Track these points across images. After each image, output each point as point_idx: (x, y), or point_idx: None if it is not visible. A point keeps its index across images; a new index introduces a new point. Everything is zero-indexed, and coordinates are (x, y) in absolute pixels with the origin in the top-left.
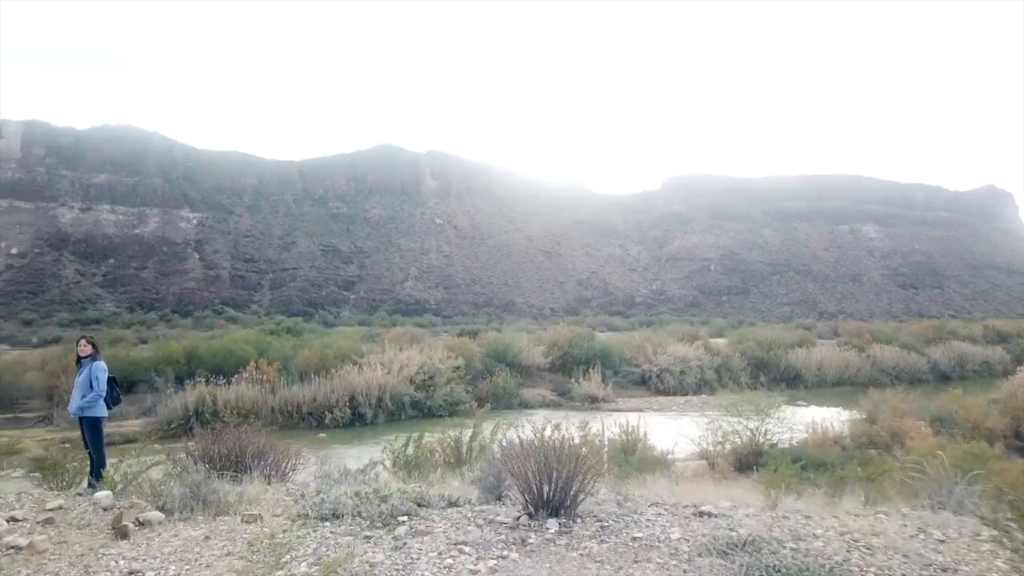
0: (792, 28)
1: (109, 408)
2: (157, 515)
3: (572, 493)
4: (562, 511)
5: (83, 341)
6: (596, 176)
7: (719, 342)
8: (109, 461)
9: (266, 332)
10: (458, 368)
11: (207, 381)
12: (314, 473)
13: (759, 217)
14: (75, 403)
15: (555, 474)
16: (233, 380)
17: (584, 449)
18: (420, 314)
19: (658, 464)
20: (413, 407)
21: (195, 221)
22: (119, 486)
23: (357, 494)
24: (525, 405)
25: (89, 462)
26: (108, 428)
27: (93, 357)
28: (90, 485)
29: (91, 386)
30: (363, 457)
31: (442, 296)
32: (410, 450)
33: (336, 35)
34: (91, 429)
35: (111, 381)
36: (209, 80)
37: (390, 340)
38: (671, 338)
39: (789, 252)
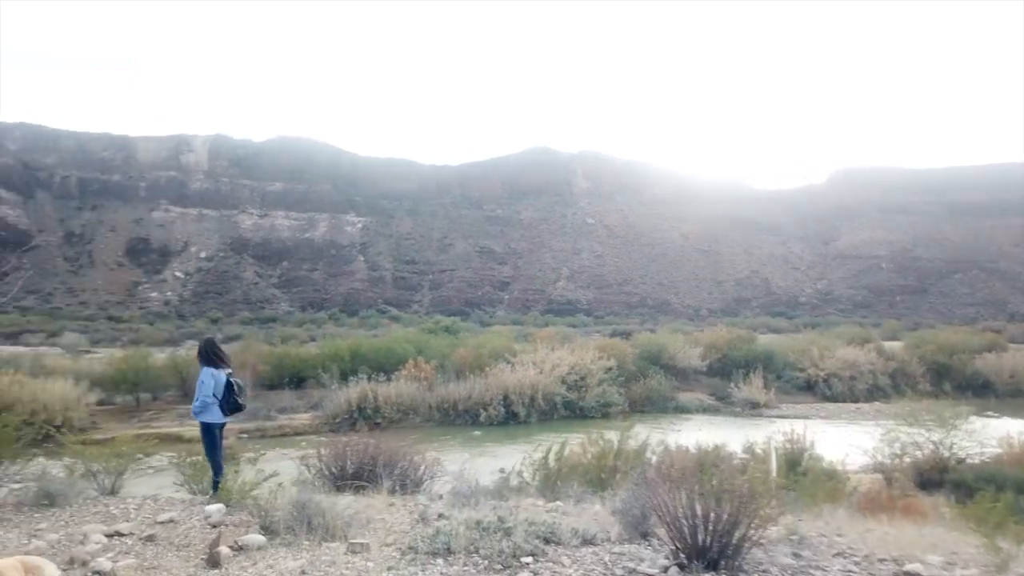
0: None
1: (226, 415)
2: (258, 539)
3: (735, 541)
4: (722, 563)
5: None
6: (754, 171)
7: (893, 345)
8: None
9: (424, 331)
10: (610, 369)
11: (369, 378)
12: (452, 481)
13: (937, 211)
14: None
15: (713, 515)
16: (393, 377)
17: (751, 484)
18: (572, 314)
19: (829, 478)
20: (565, 407)
21: (360, 225)
22: (234, 498)
23: (479, 523)
24: (681, 409)
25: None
26: (280, 421)
27: (205, 362)
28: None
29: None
30: (514, 456)
31: (594, 296)
32: (551, 463)
33: (491, 41)
34: (202, 434)
35: (229, 387)
36: (372, 90)
37: (542, 340)
38: (839, 341)
39: (972, 248)
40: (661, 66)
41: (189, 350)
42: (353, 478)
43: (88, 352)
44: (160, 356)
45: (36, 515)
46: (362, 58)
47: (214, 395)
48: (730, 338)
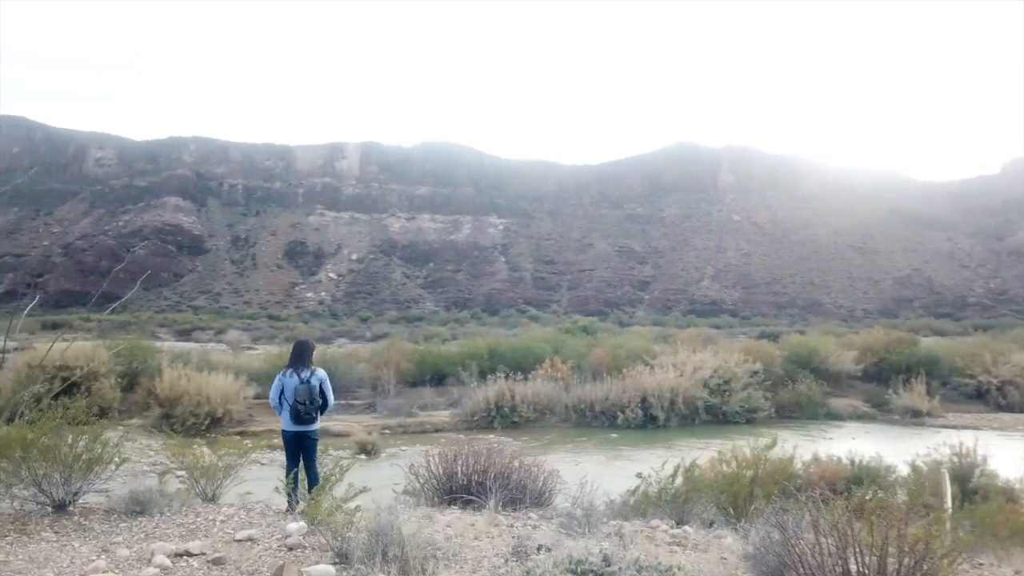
0: None
1: (293, 422)
2: (327, 570)
3: None
4: None
5: None
6: (915, 161)
7: None
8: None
9: (562, 331)
10: (756, 373)
11: (507, 377)
12: (573, 493)
13: None
14: None
15: None
16: (530, 376)
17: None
18: (716, 315)
19: (1008, 499)
20: (707, 411)
21: (501, 227)
22: (320, 517)
23: (578, 565)
24: (832, 416)
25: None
26: (421, 418)
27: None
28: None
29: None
30: (651, 461)
31: (739, 296)
32: (678, 481)
33: (633, 38)
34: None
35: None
36: (514, 92)
37: (683, 341)
38: (1015, 345)
39: None
40: (810, 54)
41: (340, 348)
42: (461, 491)
43: (249, 349)
44: None
45: (122, 524)
46: (505, 61)
47: (281, 401)
48: (888, 341)
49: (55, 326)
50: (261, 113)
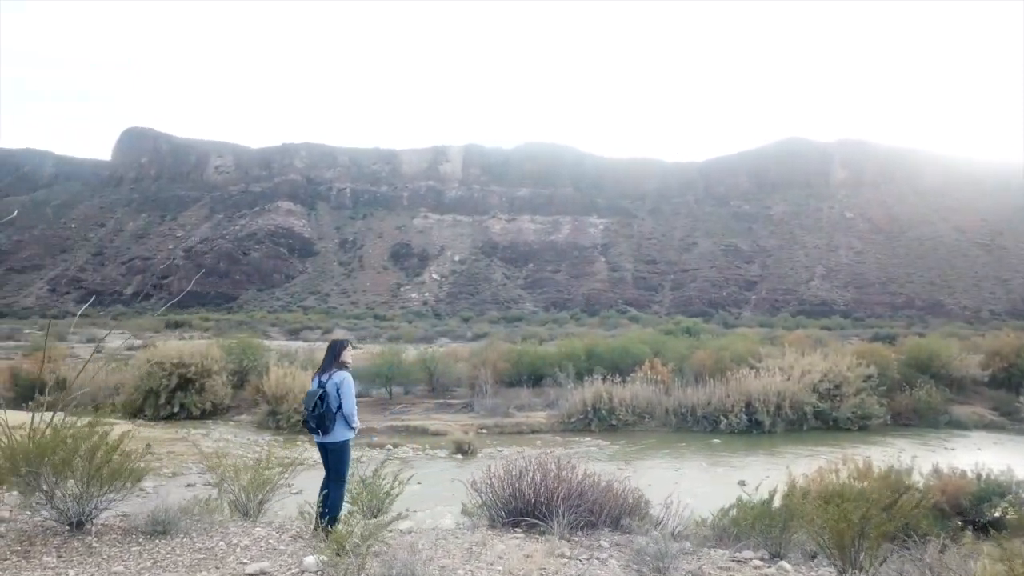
0: None
1: (312, 431)
2: None
3: None
4: None
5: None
6: None
7: None
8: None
9: (662, 332)
10: (870, 377)
11: (604, 378)
12: (657, 515)
13: None
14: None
15: None
16: (629, 378)
17: None
18: (827, 316)
19: None
20: (816, 417)
21: (602, 226)
22: (346, 548)
23: None
24: (955, 425)
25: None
26: (518, 418)
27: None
28: (324, 528)
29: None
30: (754, 467)
31: (852, 297)
32: (774, 507)
33: (737, 32)
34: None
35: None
36: (615, 90)
37: (791, 343)
38: None
39: None
40: (928, 40)
41: (440, 347)
42: (526, 512)
43: (354, 348)
44: (411, 352)
45: (134, 548)
46: (606, 60)
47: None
48: (1019, 344)
49: (177, 325)
50: (368, 119)
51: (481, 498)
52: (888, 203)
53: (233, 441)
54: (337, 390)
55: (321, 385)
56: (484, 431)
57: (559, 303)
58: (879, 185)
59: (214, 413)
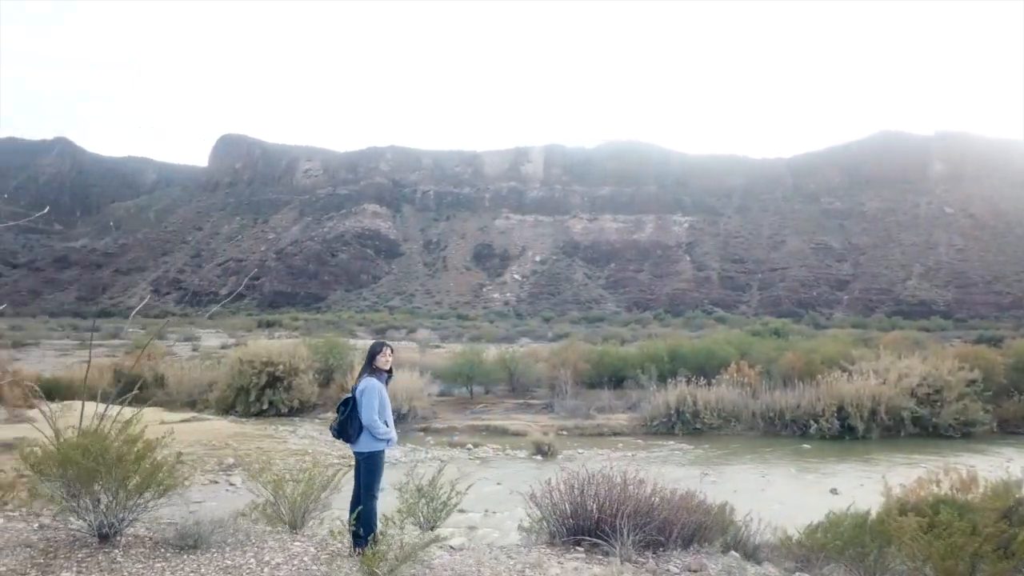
0: None
1: (338, 437)
2: None
3: None
4: None
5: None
6: None
7: None
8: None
9: (749, 333)
10: (974, 382)
11: (688, 380)
12: (734, 535)
13: None
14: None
15: None
16: (714, 381)
17: None
18: (925, 317)
19: None
20: (914, 423)
21: (686, 225)
22: (376, 573)
23: None
24: None
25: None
26: (598, 420)
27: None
28: (356, 543)
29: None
30: (847, 475)
31: (953, 296)
32: (866, 527)
33: (824, 24)
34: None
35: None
36: (700, 86)
37: (887, 346)
38: None
39: None
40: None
41: (521, 347)
42: (589, 530)
43: (436, 347)
44: (492, 352)
45: (158, 564)
46: (690, 55)
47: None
48: None
49: (268, 324)
50: (451, 121)
51: (540, 512)
52: (992, 198)
53: (317, 438)
54: (361, 398)
55: (353, 391)
56: (564, 432)
57: (642, 303)
58: (982, 179)
59: (301, 411)
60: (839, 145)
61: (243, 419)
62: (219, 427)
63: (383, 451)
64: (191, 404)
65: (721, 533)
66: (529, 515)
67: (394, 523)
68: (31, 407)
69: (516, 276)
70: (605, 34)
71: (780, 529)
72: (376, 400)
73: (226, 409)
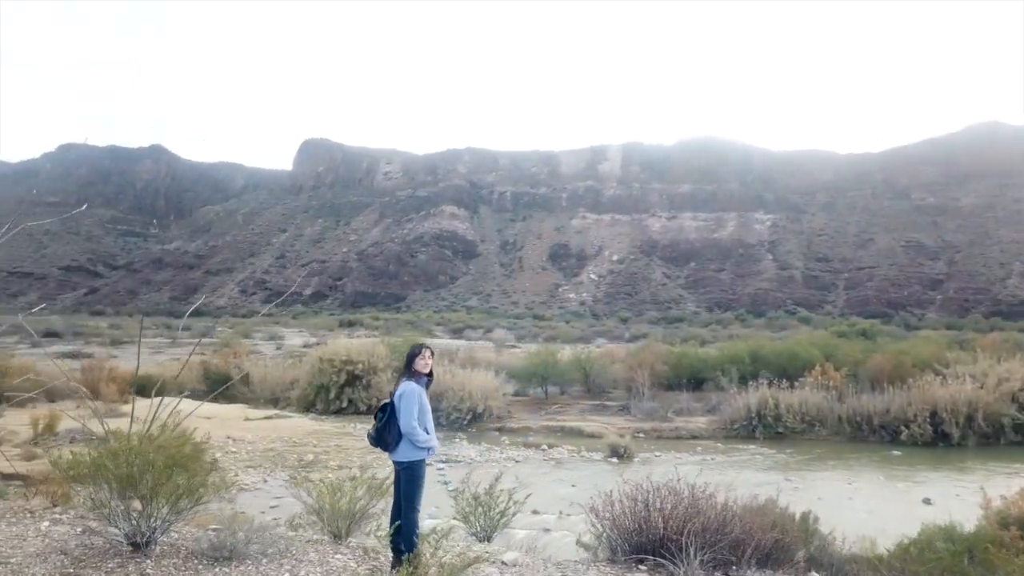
0: None
1: (375, 445)
2: None
3: None
4: None
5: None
6: None
7: None
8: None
9: (835, 334)
10: None
11: (770, 383)
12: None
13: None
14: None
15: None
16: (797, 384)
17: None
18: None
19: None
20: (1015, 431)
21: (769, 223)
22: None
23: None
24: None
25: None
26: (677, 423)
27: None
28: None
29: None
30: (941, 485)
31: None
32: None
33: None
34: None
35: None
36: (783, 81)
37: (985, 348)
38: None
39: None
40: None
41: (597, 347)
42: (653, 548)
43: (512, 347)
44: (567, 352)
45: None
46: (774, 49)
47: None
48: None
49: (350, 324)
50: (528, 121)
51: (601, 527)
52: None
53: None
54: (399, 403)
55: (391, 396)
56: (641, 435)
57: (722, 303)
58: None
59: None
60: (933, 138)
61: (323, 417)
62: (299, 424)
63: (424, 460)
64: (274, 401)
65: (804, 544)
66: (590, 529)
67: (430, 543)
68: (125, 402)
69: (592, 276)
70: (684, 29)
71: (868, 540)
72: (415, 405)
73: (307, 407)
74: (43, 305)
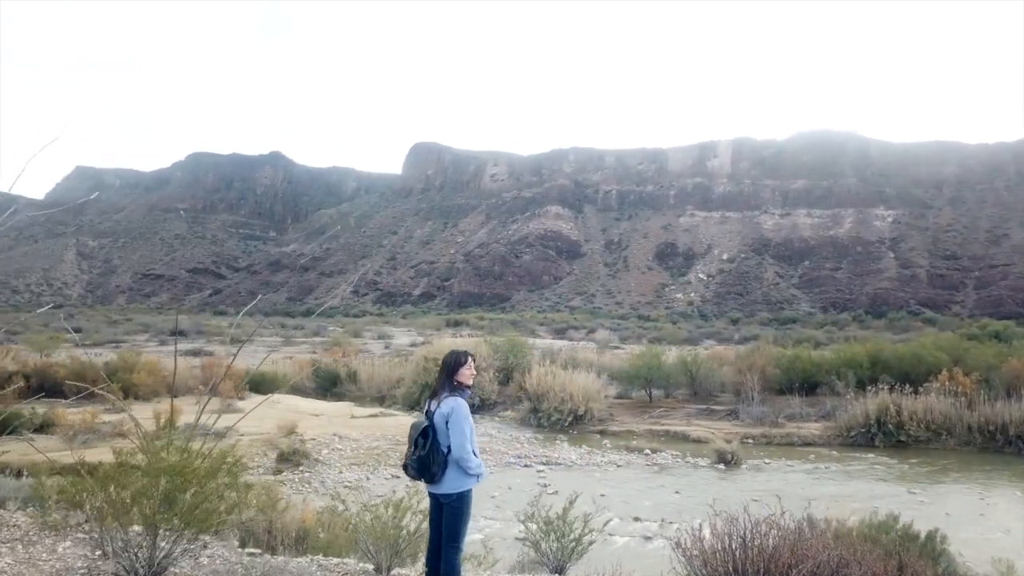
0: None
1: (411, 476)
2: None
3: None
4: None
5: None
6: None
7: None
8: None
9: (964, 337)
10: None
11: (891, 389)
12: None
13: None
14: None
15: None
16: (921, 389)
17: None
18: None
19: None
20: None
21: (890, 219)
22: None
23: None
24: None
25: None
26: (788, 429)
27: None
28: None
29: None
30: None
31: None
32: None
33: None
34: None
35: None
36: (901, 69)
37: None
38: None
39: None
40: None
41: (705, 349)
42: None
43: (616, 348)
44: (673, 354)
45: None
46: (892, 36)
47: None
48: None
49: (456, 323)
50: (635, 118)
51: (689, 567)
52: None
53: (496, 436)
54: (446, 423)
55: (428, 416)
56: (749, 441)
57: (839, 304)
58: None
59: (482, 408)
60: None
61: None
62: (403, 422)
63: (471, 489)
64: (380, 399)
65: (932, 564)
66: (674, 569)
67: None
68: (241, 398)
69: (701, 275)
70: (795, 18)
71: (1004, 563)
72: (468, 426)
73: (412, 405)
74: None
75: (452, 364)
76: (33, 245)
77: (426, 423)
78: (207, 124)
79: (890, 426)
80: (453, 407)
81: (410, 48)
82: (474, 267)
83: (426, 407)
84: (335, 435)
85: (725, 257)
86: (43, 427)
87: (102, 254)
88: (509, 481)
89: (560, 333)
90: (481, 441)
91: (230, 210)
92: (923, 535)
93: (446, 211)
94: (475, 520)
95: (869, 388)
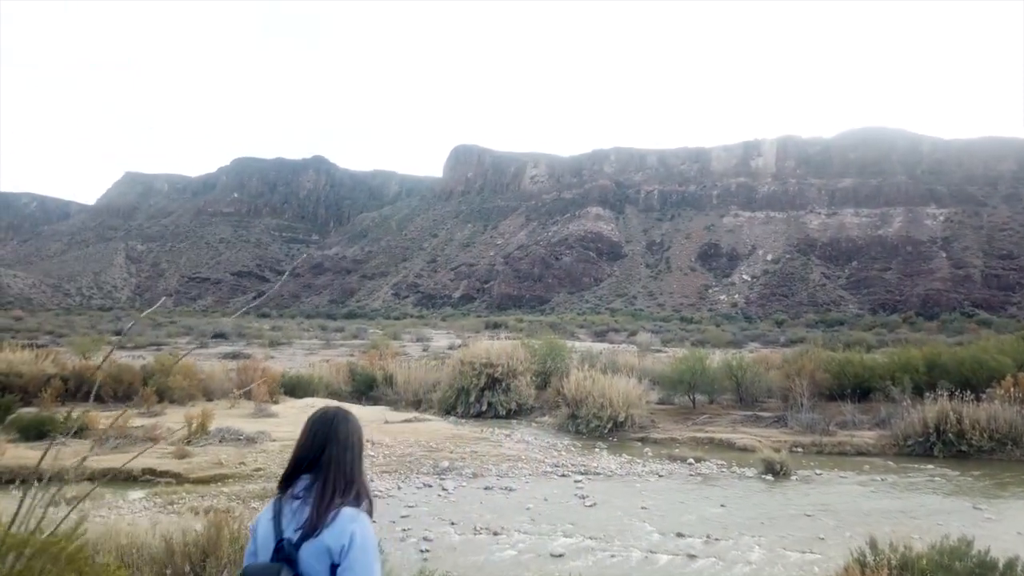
0: None
1: None
2: None
3: None
4: None
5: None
6: None
7: None
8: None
9: None
10: None
11: (951, 395)
12: None
13: None
14: None
15: None
16: (984, 396)
17: None
18: None
19: None
20: None
21: (942, 218)
22: None
23: None
24: None
25: None
26: (839, 437)
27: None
28: None
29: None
30: None
31: None
32: None
33: None
34: None
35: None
36: (951, 64)
37: None
38: None
39: None
40: None
41: (750, 352)
42: None
43: (657, 351)
44: (717, 357)
45: None
46: (942, 31)
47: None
48: None
49: (495, 326)
50: (678, 118)
51: None
52: None
53: (532, 443)
54: (332, 565)
55: (284, 548)
56: (799, 450)
57: (888, 305)
58: None
59: (519, 413)
60: None
61: (462, 420)
62: (438, 428)
63: None
64: (416, 404)
65: None
66: None
67: None
68: (276, 402)
69: (745, 276)
70: (840, 15)
71: None
72: (377, 559)
73: (447, 409)
74: (230, 308)
75: (355, 437)
76: (84, 249)
77: (281, 540)
78: (252, 129)
79: (950, 435)
80: (353, 531)
81: (451, 51)
82: (514, 269)
83: (274, 524)
84: (368, 441)
85: (770, 258)
86: (79, 431)
87: (150, 258)
88: (545, 492)
89: (600, 336)
90: (518, 448)
91: (274, 214)
92: (1001, 564)
93: (486, 213)
94: (508, 535)
95: (927, 394)
